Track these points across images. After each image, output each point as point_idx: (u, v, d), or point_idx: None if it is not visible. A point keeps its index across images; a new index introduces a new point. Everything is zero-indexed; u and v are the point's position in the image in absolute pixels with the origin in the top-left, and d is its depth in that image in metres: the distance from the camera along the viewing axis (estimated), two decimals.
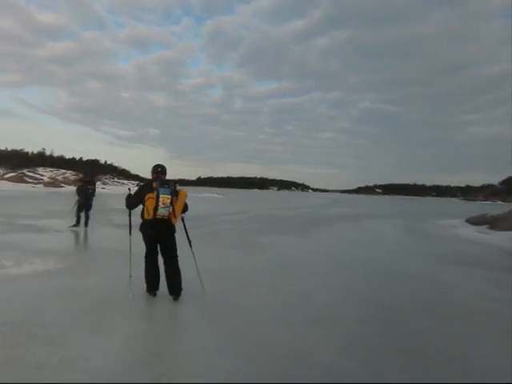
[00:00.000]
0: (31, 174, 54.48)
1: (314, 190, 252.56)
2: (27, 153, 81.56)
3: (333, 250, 10.10)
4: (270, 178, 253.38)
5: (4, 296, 4.51)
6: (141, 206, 4.59)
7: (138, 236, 4.67)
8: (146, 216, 4.45)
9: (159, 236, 4.55)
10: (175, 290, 4.59)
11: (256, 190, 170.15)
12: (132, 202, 4.62)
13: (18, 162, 63.00)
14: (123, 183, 66.99)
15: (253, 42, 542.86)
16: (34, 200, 26.88)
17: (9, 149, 79.40)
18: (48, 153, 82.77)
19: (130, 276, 4.76)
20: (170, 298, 4.61)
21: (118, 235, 10.19)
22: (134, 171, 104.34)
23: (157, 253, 4.67)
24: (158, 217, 4.36)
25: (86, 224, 11.22)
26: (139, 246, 4.72)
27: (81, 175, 58.55)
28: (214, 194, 62.87)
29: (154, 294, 4.67)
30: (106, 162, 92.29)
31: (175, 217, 4.50)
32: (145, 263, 4.67)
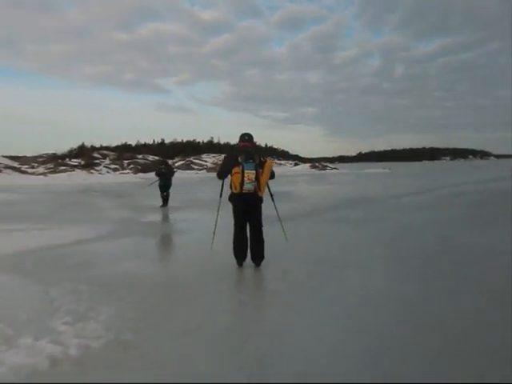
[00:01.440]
0: (197, 160, 57.21)
1: (497, 156, 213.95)
2: (198, 142, 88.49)
3: None
4: (440, 147, 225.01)
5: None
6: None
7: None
8: (233, 190, 4.63)
9: (247, 209, 4.68)
10: (258, 256, 4.78)
11: (426, 162, 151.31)
12: (221, 174, 4.76)
13: (190, 151, 68.44)
14: (281, 164, 65.54)
15: None
16: (183, 186, 26.03)
17: (184, 140, 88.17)
18: (215, 141, 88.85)
19: (213, 237, 5.33)
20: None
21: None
22: (293, 151, 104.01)
23: (246, 223, 4.76)
24: (244, 191, 4.52)
25: (166, 202, 11.91)
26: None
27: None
28: (379, 168, 55.82)
29: (241, 264, 4.83)
30: (266, 144, 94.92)
31: (261, 189, 4.64)
32: (234, 233, 4.81)
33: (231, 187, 4.65)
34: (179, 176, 44.59)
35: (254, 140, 4.96)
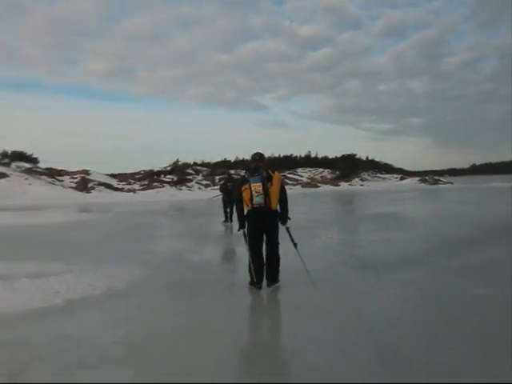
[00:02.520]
0: (291, 175, 54.53)
1: None
2: (295, 157, 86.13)
3: None
4: None
5: None
6: None
7: None
8: (246, 207, 4.58)
9: (261, 224, 4.57)
10: (271, 279, 4.63)
11: None
12: (236, 200, 4.73)
13: (287, 166, 65.30)
14: (384, 178, 59.44)
15: None
16: None
17: (281, 155, 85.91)
18: (313, 155, 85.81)
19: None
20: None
21: None
22: (397, 164, 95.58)
23: (261, 243, 4.63)
24: (255, 206, 4.44)
25: (231, 219, 11.33)
26: None
27: (337, 172, 54.90)
28: (502, 182, 46.81)
29: (260, 287, 4.60)
30: (367, 157, 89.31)
31: (271, 202, 4.50)
32: (249, 256, 4.61)
33: (243, 208, 4.61)
34: None
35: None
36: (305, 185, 49.64)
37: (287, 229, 4.68)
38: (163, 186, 34.12)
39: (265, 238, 4.59)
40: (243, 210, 4.65)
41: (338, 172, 55.14)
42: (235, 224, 8.72)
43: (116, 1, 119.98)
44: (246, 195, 4.46)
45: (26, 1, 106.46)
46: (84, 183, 30.60)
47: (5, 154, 31.25)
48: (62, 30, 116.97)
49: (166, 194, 27.94)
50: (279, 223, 4.64)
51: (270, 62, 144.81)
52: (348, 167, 53.82)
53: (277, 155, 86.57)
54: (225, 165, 59.25)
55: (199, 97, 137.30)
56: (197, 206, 20.45)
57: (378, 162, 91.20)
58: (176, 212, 17.27)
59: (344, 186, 48.49)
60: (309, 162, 77.22)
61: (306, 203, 21.99)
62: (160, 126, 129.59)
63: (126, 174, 41.01)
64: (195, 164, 48.56)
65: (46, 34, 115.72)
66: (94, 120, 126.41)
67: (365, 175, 55.98)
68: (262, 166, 4.56)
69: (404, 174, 69.09)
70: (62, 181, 31.74)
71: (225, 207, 11.66)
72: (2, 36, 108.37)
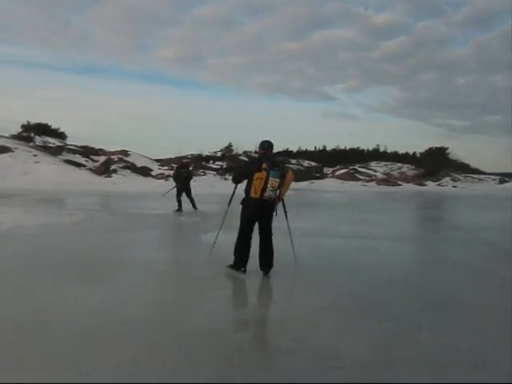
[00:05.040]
0: (363, 169, 46.44)
1: None
2: (363, 150, 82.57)
3: None
4: None
5: None
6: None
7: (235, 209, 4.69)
8: (252, 194, 4.50)
9: (260, 215, 4.62)
10: (267, 265, 4.65)
11: None
12: (240, 177, 4.79)
13: (354, 159, 61.92)
14: (480, 179, 48.89)
15: None
16: (346, 207, 16.21)
17: (347, 148, 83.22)
18: (382, 149, 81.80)
19: (215, 243, 5.20)
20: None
21: None
22: (473, 165, 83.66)
23: (252, 230, 4.71)
24: (264, 198, 4.42)
25: (194, 206, 11.34)
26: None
27: (421, 170, 45.68)
28: None
29: (244, 271, 4.66)
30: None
31: (279, 199, 4.62)
32: (238, 238, 4.70)
33: (248, 192, 4.55)
34: (342, 189, 35.49)
35: None
36: (380, 182, 41.42)
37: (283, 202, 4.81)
38: (204, 174, 28.10)
39: (258, 225, 4.69)
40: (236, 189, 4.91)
41: (421, 169, 45.89)
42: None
43: None
44: (257, 184, 4.42)
45: None
46: (106, 165, 25.57)
47: (27, 127, 27.09)
48: (135, 17, 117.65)
49: (205, 184, 21.81)
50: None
51: (341, 51, 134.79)
52: (434, 164, 44.39)
53: (342, 147, 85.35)
54: (286, 154, 52.43)
55: (265, 85, 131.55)
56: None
57: (454, 161, 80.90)
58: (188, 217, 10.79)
59: (431, 185, 39.56)
60: (378, 155, 72.36)
61: (388, 209, 15.21)
62: (224, 112, 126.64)
63: (170, 158, 35.70)
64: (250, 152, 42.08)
65: (120, 22, 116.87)
66: (162, 105, 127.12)
67: (455, 175, 46.10)
68: (270, 155, 4.66)
69: (478, 173, 57.76)
70: (89, 161, 26.97)
71: (178, 196, 11.27)
72: (80, 24, 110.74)
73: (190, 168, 13.33)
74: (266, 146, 4.68)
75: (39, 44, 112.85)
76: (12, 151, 21.50)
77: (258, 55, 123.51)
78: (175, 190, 11.44)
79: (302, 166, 38.84)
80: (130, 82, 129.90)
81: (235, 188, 4.90)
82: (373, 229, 8.96)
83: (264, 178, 4.34)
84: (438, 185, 39.98)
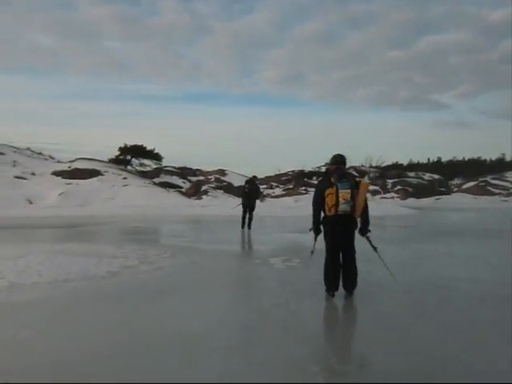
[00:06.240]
0: (496, 181, 38.38)
1: None
2: (485, 160, 79.57)
3: None
4: None
5: None
6: None
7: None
8: (327, 212, 4.37)
9: (342, 232, 4.40)
10: (351, 285, 4.42)
11: None
12: (315, 201, 4.48)
13: (476, 171, 57.08)
14: None
15: None
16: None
17: (466, 158, 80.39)
18: (508, 158, 75.37)
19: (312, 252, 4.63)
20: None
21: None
22: None
23: (339, 251, 4.44)
24: (339, 212, 4.26)
25: (249, 226, 10.93)
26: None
27: None
28: None
29: (333, 295, 4.46)
30: None
31: (356, 211, 4.35)
32: (326, 263, 4.48)
33: (325, 212, 4.41)
34: (477, 205, 28.59)
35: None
36: None
37: (367, 237, 4.50)
38: (307, 193, 24.33)
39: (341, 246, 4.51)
40: (319, 214, 4.54)
41: None
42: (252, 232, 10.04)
43: (289, 8, 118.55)
44: (330, 200, 4.30)
45: (211, 20, 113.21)
46: (197, 186, 23.41)
47: (124, 149, 26.59)
48: (240, 43, 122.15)
49: (306, 203, 18.33)
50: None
51: (453, 55, 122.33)
52: None
53: (460, 158, 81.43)
54: (397, 168, 46.53)
55: (369, 97, 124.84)
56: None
57: None
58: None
59: None
60: (505, 166, 64.54)
61: None
62: (326, 128, 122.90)
63: (270, 176, 32.91)
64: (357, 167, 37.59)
65: (227, 49, 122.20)
66: (264, 125, 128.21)
67: None
68: (343, 169, 4.48)
69: None
70: (186, 182, 25.34)
71: (243, 213, 10.97)
72: (192, 54, 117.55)
73: (257, 182, 12.51)
74: (339, 159, 4.56)
75: (156, 78, 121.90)
76: (102, 174, 20.53)
77: (360, 67, 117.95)
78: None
79: (422, 179, 32.81)
80: (234, 107, 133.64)
81: (315, 214, 4.49)
82: None
83: (334, 192, 4.23)
84: None
